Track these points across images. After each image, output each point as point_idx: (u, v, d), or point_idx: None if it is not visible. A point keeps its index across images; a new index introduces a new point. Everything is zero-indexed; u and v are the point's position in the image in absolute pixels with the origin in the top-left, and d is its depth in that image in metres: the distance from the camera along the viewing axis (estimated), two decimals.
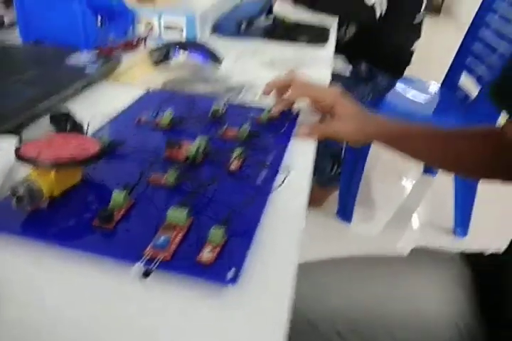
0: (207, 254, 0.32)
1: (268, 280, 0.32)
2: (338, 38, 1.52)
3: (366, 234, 1.57)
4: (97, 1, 0.78)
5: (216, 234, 0.33)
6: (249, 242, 0.34)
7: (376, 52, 1.38)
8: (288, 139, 0.51)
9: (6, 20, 0.93)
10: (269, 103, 0.58)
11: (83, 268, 0.31)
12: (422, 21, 1.42)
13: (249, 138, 0.49)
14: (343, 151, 1.53)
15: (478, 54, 1.40)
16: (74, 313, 0.28)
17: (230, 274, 0.31)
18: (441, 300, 0.55)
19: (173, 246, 0.33)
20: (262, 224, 0.37)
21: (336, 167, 1.61)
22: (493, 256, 0.59)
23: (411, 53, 1.51)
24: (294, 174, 0.44)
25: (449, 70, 1.57)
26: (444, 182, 1.54)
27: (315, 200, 1.69)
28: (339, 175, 1.61)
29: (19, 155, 0.36)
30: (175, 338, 0.27)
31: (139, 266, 0.31)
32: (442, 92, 1.59)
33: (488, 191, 1.33)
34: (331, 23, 1.19)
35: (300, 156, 0.49)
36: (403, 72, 1.50)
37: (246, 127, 0.50)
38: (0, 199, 0.36)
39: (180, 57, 0.68)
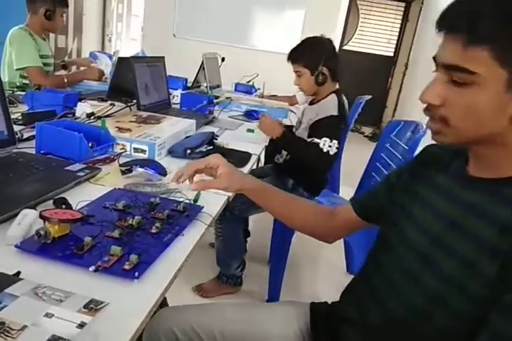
0: (127, 266, 0.67)
1: (155, 279, 0.67)
2: (275, 160, 2.00)
3: None
4: (91, 132, 1.21)
5: (133, 258, 0.69)
6: (150, 263, 0.70)
7: (300, 175, 1.84)
8: (190, 220, 0.89)
9: (24, 135, 1.34)
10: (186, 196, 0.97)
11: (67, 269, 0.66)
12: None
13: (167, 218, 0.87)
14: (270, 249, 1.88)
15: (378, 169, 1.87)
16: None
17: (136, 275, 0.66)
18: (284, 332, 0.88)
19: (111, 262, 0.68)
20: (161, 257, 0.73)
21: (241, 269, 1.90)
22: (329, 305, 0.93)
23: (326, 179, 1.99)
24: (186, 236, 0.81)
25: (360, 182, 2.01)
26: None
27: (207, 291, 1.90)
28: (241, 279, 1.92)
29: (41, 216, 0.72)
30: (107, 296, 0.61)
31: (92, 268, 0.65)
32: None
33: None
34: (259, 150, 1.65)
35: (193, 228, 0.87)
36: (319, 191, 1.94)
37: (166, 212, 0.88)
38: (29, 235, 0.72)
39: (139, 170, 1.09)
